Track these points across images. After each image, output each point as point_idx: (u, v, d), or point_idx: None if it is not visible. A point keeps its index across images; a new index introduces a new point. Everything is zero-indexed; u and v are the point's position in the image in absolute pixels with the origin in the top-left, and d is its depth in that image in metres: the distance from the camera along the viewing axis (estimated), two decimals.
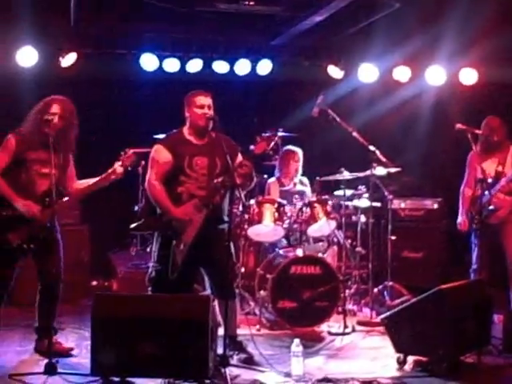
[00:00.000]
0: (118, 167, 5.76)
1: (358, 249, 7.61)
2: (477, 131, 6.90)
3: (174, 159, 5.75)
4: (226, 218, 5.86)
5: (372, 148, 7.03)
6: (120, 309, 5.12)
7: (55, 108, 5.85)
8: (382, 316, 6.04)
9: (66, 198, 5.88)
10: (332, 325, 6.97)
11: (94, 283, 8.44)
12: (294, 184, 7.46)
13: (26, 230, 5.66)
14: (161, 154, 5.81)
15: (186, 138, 5.87)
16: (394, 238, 7.58)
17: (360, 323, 7.11)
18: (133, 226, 5.93)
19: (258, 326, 6.77)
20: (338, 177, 7.44)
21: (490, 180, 6.83)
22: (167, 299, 5.25)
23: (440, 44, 9.12)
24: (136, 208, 8.96)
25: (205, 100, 5.87)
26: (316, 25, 8.55)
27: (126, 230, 9.15)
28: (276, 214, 7.06)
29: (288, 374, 5.48)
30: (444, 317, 5.57)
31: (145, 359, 5.00)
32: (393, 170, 7.29)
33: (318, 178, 7.52)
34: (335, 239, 7.56)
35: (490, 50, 8.91)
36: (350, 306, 7.30)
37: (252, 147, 6.08)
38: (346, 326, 6.84)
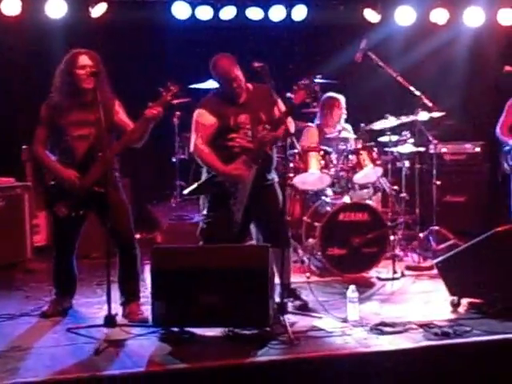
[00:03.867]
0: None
1: (403, 194, 7.51)
2: None
3: (219, 121, 5.66)
4: (273, 169, 5.85)
5: (418, 93, 6.90)
6: (178, 261, 5.10)
7: (83, 60, 5.49)
8: (437, 260, 5.99)
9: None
10: (380, 270, 6.94)
11: (138, 236, 8.36)
12: (339, 131, 7.34)
13: (69, 199, 5.48)
14: (205, 118, 5.69)
15: (224, 100, 5.74)
16: (439, 182, 7.50)
17: (408, 268, 7.08)
18: (186, 191, 5.82)
19: (308, 274, 6.72)
20: (383, 123, 7.31)
21: None
22: (225, 249, 5.21)
23: None
24: (174, 159, 8.92)
25: (235, 70, 5.65)
26: None
27: (164, 181, 9.16)
28: (322, 162, 6.97)
29: (344, 320, 5.48)
30: (500, 259, 5.56)
31: (205, 309, 5.02)
32: (438, 114, 7.16)
33: (363, 124, 7.39)
34: (380, 186, 7.46)
35: None
36: (396, 252, 7.22)
37: (290, 95, 5.91)
38: (394, 272, 6.80)
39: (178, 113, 8.78)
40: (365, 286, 6.54)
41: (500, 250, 5.57)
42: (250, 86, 5.77)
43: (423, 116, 7.18)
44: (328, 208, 6.99)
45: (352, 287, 5.58)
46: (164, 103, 5.45)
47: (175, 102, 5.67)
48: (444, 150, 8.62)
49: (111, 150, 5.44)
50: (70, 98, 5.51)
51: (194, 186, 5.77)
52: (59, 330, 5.42)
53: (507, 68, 6.73)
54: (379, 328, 5.27)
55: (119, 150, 5.55)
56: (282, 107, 5.62)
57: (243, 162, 5.59)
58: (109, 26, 8.79)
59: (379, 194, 7.65)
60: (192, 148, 5.77)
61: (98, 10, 8.66)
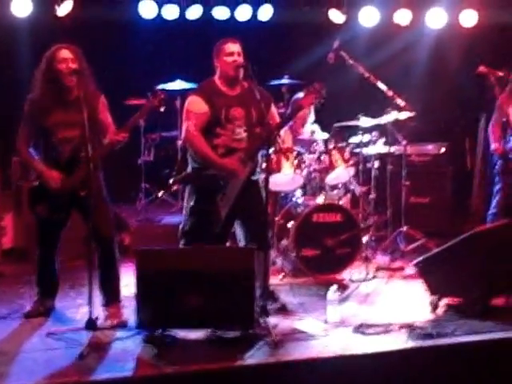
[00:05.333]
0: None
1: (372, 196, 7.56)
2: (499, 73, 6.83)
3: (211, 110, 5.57)
4: (258, 169, 5.82)
5: (390, 93, 6.96)
6: (163, 263, 5.05)
7: (63, 54, 5.37)
8: (416, 260, 6.04)
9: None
10: (353, 272, 6.96)
11: None
12: (312, 132, 7.36)
13: (52, 200, 5.42)
14: (197, 105, 5.61)
15: (219, 89, 5.67)
16: (408, 183, 7.57)
17: (379, 269, 7.12)
18: (172, 179, 5.75)
19: (281, 275, 6.73)
20: (355, 123, 7.35)
21: None
22: (211, 251, 5.18)
23: None
24: (139, 161, 8.82)
25: (233, 47, 5.65)
26: None
27: (129, 183, 9.04)
28: (295, 163, 6.98)
29: (325, 321, 5.50)
30: (478, 259, 5.64)
31: (190, 311, 5.00)
32: (409, 114, 7.22)
33: (335, 124, 7.41)
34: (351, 186, 7.50)
35: None
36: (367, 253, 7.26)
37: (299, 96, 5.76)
38: (367, 273, 6.85)
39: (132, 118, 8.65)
40: (339, 288, 6.56)
41: (478, 250, 5.65)
42: (245, 83, 5.71)
43: (394, 116, 7.22)
44: (300, 209, 7.00)
45: (332, 288, 5.63)
46: (150, 108, 5.44)
47: (162, 109, 5.56)
48: (410, 150, 8.67)
49: (95, 152, 5.31)
50: (52, 95, 5.41)
51: (182, 174, 5.71)
52: (39, 333, 5.33)
53: (481, 68, 6.81)
54: (361, 330, 5.31)
55: (103, 153, 5.46)
56: (276, 117, 5.62)
57: (239, 159, 5.54)
58: (75, 25, 8.62)
59: (349, 195, 7.68)
60: (184, 135, 5.67)
61: (64, 9, 8.50)
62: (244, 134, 5.64)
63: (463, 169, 9.55)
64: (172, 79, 8.69)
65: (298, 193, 7.25)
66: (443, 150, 8.83)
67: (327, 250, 6.84)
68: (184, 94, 8.54)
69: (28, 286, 6.43)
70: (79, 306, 5.94)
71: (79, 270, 6.69)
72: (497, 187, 7.27)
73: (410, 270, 7.05)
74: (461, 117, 9.83)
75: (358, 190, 7.56)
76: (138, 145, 8.78)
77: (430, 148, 8.91)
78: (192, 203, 5.67)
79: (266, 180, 5.35)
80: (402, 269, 7.17)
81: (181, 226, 5.82)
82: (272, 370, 4.78)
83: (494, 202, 7.28)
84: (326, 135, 7.48)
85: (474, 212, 9.62)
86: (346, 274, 6.93)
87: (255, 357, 4.84)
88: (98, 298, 5.54)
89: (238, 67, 5.60)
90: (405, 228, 7.58)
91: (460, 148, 9.58)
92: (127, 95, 8.43)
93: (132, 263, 6.69)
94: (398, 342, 5.12)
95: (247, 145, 5.63)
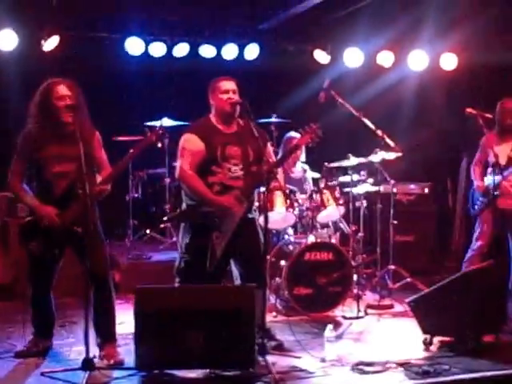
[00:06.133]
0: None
1: (360, 234, 7.61)
2: (487, 115, 6.95)
3: (207, 148, 5.58)
4: (254, 207, 5.84)
5: (380, 132, 7.04)
6: (162, 302, 5.01)
7: (61, 90, 5.31)
8: (409, 299, 6.08)
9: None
10: (344, 309, 6.99)
11: None
12: (304, 171, 7.42)
13: (45, 236, 5.29)
14: (193, 143, 5.62)
15: (215, 126, 5.69)
16: (395, 222, 7.63)
17: (370, 307, 7.14)
18: (168, 216, 5.73)
19: (274, 313, 6.73)
20: (345, 162, 7.42)
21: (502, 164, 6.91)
22: (211, 290, 5.17)
23: (421, 28, 9.24)
24: (127, 198, 8.81)
25: (228, 84, 5.70)
26: (304, 10, 8.56)
27: (117, 220, 9.01)
28: (287, 201, 7.01)
29: (323, 359, 5.47)
30: (469, 298, 5.69)
31: (190, 351, 4.93)
32: (397, 154, 7.31)
33: (326, 163, 7.49)
34: (341, 225, 7.56)
35: (469, 34, 9.06)
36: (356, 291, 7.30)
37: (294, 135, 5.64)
38: (358, 310, 6.88)
39: (131, 151, 8.65)
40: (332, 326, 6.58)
41: (469, 289, 5.71)
42: (240, 121, 5.75)
43: (382, 156, 7.30)
44: (291, 247, 7.03)
45: (329, 326, 5.62)
46: (148, 143, 5.44)
47: (159, 145, 5.57)
48: (394, 190, 8.75)
49: (92, 188, 5.21)
50: (47, 130, 5.33)
51: (177, 212, 5.69)
52: (34, 373, 5.22)
53: (469, 110, 6.94)
54: (360, 368, 5.30)
55: (99, 191, 5.39)
56: (272, 155, 5.66)
57: (235, 197, 5.54)
58: (61, 60, 8.66)
59: (338, 234, 7.73)
60: (178, 173, 5.66)
61: (50, 44, 8.54)
62: (240, 172, 5.65)
63: (445, 208, 9.66)
64: (159, 117, 8.70)
65: (290, 231, 7.29)
66: (427, 190, 8.93)
67: (319, 289, 6.88)
68: (171, 131, 8.73)
69: (17, 325, 6.29)
70: (72, 345, 5.87)
71: (69, 307, 6.69)
72: (479, 225, 7.29)
73: (400, 307, 7.16)
74: (442, 156, 9.97)
75: (347, 228, 7.61)
76: (126, 181, 8.76)
77: (414, 187, 9.01)
78: (187, 240, 5.65)
79: (266, 218, 5.34)
80: (391, 307, 7.22)
81: (176, 264, 5.79)
82: None
83: (475, 237, 7.30)
84: (316, 174, 7.52)
85: (455, 250, 9.76)
86: (338, 312, 6.96)
87: None
88: (91, 336, 5.37)
89: (234, 104, 5.64)
90: (393, 266, 7.62)
91: (442, 187, 9.70)
92: (113, 132, 8.42)
93: (123, 300, 6.82)
94: (396, 380, 5.11)
95: (244, 183, 5.63)
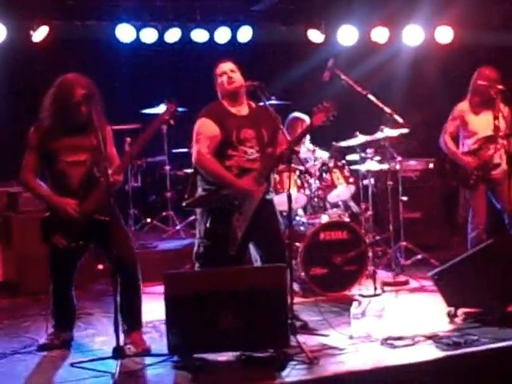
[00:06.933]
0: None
1: (369, 212, 7.52)
2: (500, 86, 6.78)
3: (222, 132, 5.50)
4: (271, 189, 5.76)
5: (388, 109, 6.94)
6: (193, 286, 4.88)
7: (77, 82, 5.19)
8: (432, 272, 6.00)
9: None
10: (361, 288, 6.93)
11: (100, 267, 8.01)
12: (313, 151, 7.31)
13: (68, 229, 5.15)
14: (208, 127, 5.52)
15: (228, 110, 5.61)
16: (405, 198, 7.56)
17: (386, 284, 7.07)
18: (187, 202, 5.58)
19: None
20: (353, 141, 7.33)
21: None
22: (241, 271, 5.06)
23: (417, 2, 9.17)
24: (126, 187, 8.65)
25: (224, 66, 5.67)
26: None
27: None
28: (298, 182, 6.91)
29: (351, 336, 5.41)
30: (495, 268, 5.63)
31: (223, 334, 4.82)
32: (405, 130, 7.23)
33: (334, 142, 7.39)
34: (350, 204, 7.48)
35: (465, 9, 9.00)
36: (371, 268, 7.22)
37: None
38: (375, 288, 6.81)
39: (128, 139, 8.52)
40: (350, 304, 6.48)
41: (493, 259, 5.65)
42: (252, 103, 5.68)
43: (390, 133, 7.22)
44: (303, 228, 6.94)
45: (355, 304, 5.61)
46: (161, 122, 5.31)
47: (172, 122, 5.40)
48: (398, 166, 8.68)
49: (114, 176, 5.13)
50: (60, 122, 5.20)
51: (196, 197, 5.57)
52: (62, 365, 5.09)
53: (480, 82, 6.82)
54: (389, 342, 5.23)
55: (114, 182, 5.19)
56: (286, 135, 5.56)
57: (254, 179, 5.46)
58: (51, 50, 8.49)
59: (347, 213, 7.64)
60: (196, 158, 5.54)
61: (39, 34, 8.35)
62: (256, 155, 5.57)
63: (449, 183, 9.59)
64: (155, 104, 8.55)
65: (300, 212, 7.20)
66: (431, 165, 8.87)
67: (336, 268, 6.81)
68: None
69: (30, 319, 6.33)
70: (92, 336, 5.79)
71: (81, 299, 6.51)
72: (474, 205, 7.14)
73: (415, 283, 7.11)
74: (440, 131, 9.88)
75: (356, 207, 7.53)
76: (125, 171, 8.58)
77: (419, 163, 8.94)
78: (208, 225, 5.53)
79: (289, 198, 5.28)
80: (407, 283, 7.16)
81: (195, 249, 5.68)
82: None
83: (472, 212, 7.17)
84: (325, 154, 7.42)
85: (461, 224, 9.70)
86: (355, 291, 6.88)
87: (293, 375, 4.70)
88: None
89: (232, 83, 5.59)
90: (404, 243, 7.55)
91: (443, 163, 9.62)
92: (108, 120, 8.27)
93: None
94: (428, 352, 5.05)
95: (261, 164, 5.55)
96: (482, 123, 6.90)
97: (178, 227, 8.65)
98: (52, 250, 5.31)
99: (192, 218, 8.65)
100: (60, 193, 5.20)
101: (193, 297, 4.83)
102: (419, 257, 7.66)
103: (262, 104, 5.59)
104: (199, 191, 5.64)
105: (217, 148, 5.51)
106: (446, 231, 8.96)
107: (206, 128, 5.54)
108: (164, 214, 8.87)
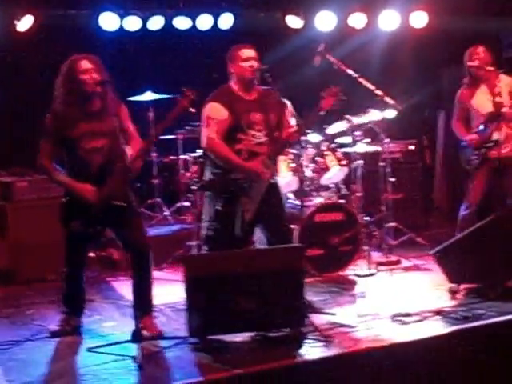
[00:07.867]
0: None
1: (359, 194, 7.65)
2: (490, 68, 6.85)
3: (232, 116, 5.57)
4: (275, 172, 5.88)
5: (379, 92, 7.07)
6: (212, 268, 4.97)
7: (84, 64, 5.20)
8: (434, 250, 6.15)
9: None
10: (355, 268, 7.05)
11: (92, 254, 8.03)
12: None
13: (86, 214, 5.18)
14: (217, 111, 5.59)
15: (237, 94, 5.68)
16: (393, 179, 7.71)
17: (380, 264, 7.21)
18: (197, 185, 5.67)
19: None
20: (344, 124, 7.46)
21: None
22: (258, 253, 5.20)
23: None
24: None
25: (250, 52, 5.70)
26: None
27: None
28: (292, 165, 7.02)
29: (358, 315, 5.56)
30: (498, 244, 5.81)
31: (242, 315, 4.93)
32: (395, 112, 7.36)
33: (325, 126, 7.51)
34: (342, 186, 7.61)
35: None
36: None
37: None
38: (369, 268, 6.97)
39: (162, 122, 8.48)
40: (349, 284, 6.66)
41: (498, 234, 5.82)
42: (259, 88, 5.77)
43: (379, 115, 7.36)
44: (296, 210, 7.05)
45: (359, 282, 5.69)
46: (181, 110, 5.33)
47: (192, 110, 5.46)
48: (379, 148, 8.81)
49: (132, 162, 5.23)
50: (76, 107, 5.22)
51: (206, 180, 5.66)
52: (77, 350, 5.18)
53: (470, 64, 6.90)
54: (399, 319, 5.39)
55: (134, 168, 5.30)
56: (292, 120, 5.65)
57: (262, 162, 5.55)
58: (36, 40, 8.44)
59: (337, 195, 7.76)
60: (205, 142, 5.61)
61: (23, 24, 8.29)
62: (264, 138, 5.66)
63: (425, 165, 9.79)
64: (142, 91, 8.58)
65: (290, 194, 7.30)
66: (412, 147, 9.04)
67: (331, 249, 6.94)
68: (156, 104, 8.61)
69: (33, 307, 6.35)
70: (100, 322, 5.84)
71: None
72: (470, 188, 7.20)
73: (406, 262, 7.28)
74: (416, 115, 10.06)
75: (345, 189, 7.67)
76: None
77: (398, 145, 9.08)
78: (218, 207, 5.61)
79: (301, 182, 5.41)
80: (399, 262, 7.32)
81: (203, 232, 5.76)
82: (332, 363, 4.77)
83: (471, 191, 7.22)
84: (318, 137, 7.52)
85: (437, 207, 9.95)
86: (350, 271, 7.02)
87: (312, 353, 4.83)
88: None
89: (255, 71, 5.65)
90: (394, 223, 7.72)
91: (420, 145, 9.82)
92: None
93: (123, 277, 6.80)
94: (438, 327, 5.22)
95: (268, 148, 5.65)
96: (480, 101, 6.89)
97: (166, 213, 8.68)
98: (69, 235, 5.35)
99: (178, 204, 8.76)
100: (78, 178, 5.23)
101: (211, 279, 4.92)
102: (406, 237, 7.85)
103: (268, 88, 5.70)
104: (208, 175, 5.73)
105: (226, 132, 5.58)
106: (424, 213, 9.18)
107: (215, 112, 5.60)
108: (150, 201, 8.90)
